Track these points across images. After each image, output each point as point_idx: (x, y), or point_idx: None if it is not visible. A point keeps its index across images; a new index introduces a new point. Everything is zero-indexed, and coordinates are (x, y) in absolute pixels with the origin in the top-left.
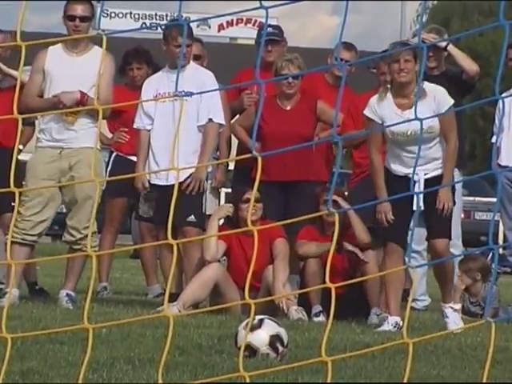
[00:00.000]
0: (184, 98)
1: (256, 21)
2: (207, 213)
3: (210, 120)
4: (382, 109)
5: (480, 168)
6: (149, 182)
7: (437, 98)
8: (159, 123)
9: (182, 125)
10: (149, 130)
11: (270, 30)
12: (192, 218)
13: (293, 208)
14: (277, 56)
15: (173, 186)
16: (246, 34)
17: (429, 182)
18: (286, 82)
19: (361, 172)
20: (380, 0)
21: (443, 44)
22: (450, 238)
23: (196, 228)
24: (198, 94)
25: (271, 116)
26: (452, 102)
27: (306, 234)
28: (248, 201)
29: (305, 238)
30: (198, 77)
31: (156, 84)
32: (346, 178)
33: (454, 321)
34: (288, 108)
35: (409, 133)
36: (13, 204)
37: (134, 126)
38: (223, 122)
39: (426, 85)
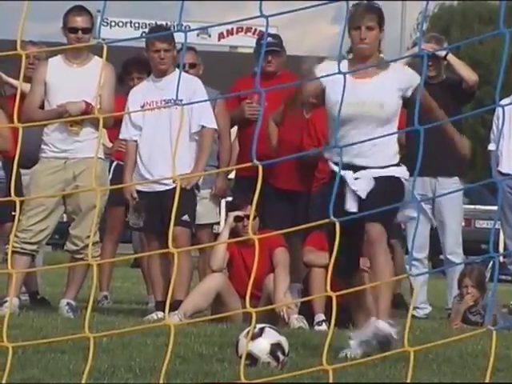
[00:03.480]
0: (175, 105)
1: (256, 29)
2: (208, 221)
3: (203, 127)
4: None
5: (481, 176)
6: (136, 190)
7: (403, 73)
8: (147, 132)
9: (173, 133)
10: (135, 141)
11: (269, 39)
12: (186, 217)
13: (298, 217)
14: (276, 67)
15: (160, 192)
16: (246, 43)
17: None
18: None
19: (322, 178)
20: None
21: (443, 53)
22: (386, 228)
23: (187, 229)
24: (199, 102)
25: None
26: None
27: (314, 241)
28: (239, 220)
29: (313, 244)
30: (186, 84)
31: (143, 93)
32: None
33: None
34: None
35: (362, 104)
36: (13, 213)
37: (120, 137)
38: (216, 127)
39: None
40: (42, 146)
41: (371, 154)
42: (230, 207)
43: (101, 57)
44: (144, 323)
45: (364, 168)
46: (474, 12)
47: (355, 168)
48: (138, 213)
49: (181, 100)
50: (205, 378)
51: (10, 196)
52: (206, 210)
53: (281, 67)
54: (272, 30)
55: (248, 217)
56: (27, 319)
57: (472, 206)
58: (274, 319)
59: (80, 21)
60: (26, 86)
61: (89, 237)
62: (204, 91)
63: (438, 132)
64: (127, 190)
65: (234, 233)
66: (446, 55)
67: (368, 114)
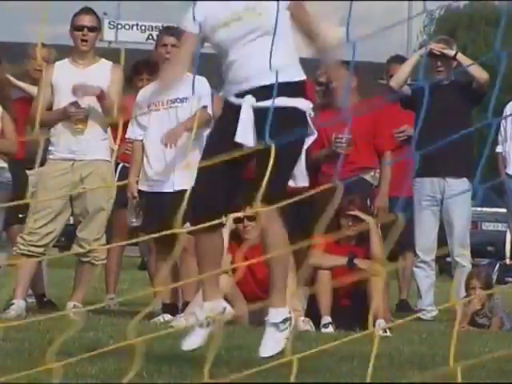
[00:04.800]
0: (179, 104)
1: None
2: None
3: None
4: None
5: (487, 178)
6: (139, 190)
7: None
8: (154, 131)
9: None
10: (141, 140)
11: None
12: (187, 225)
13: (301, 218)
14: None
15: (166, 193)
16: None
17: (261, 112)
18: (320, 89)
19: (324, 181)
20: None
21: (452, 53)
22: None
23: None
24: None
25: None
26: None
27: (320, 244)
28: (241, 220)
29: (319, 247)
30: (191, 83)
31: (149, 93)
32: None
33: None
34: None
35: (231, 18)
36: (20, 216)
37: (126, 137)
38: (211, 114)
39: None
40: (50, 148)
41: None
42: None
43: (107, 59)
44: (150, 325)
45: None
46: (481, 14)
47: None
48: (136, 212)
49: (186, 98)
50: (211, 381)
51: (17, 198)
52: None
53: None
54: None
55: (248, 218)
56: (34, 322)
57: (478, 209)
58: None
59: (86, 19)
60: (34, 90)
61: (96, 240)
62: (209, 90)
63: (446, 133)
64: (129, 188)
65: (235, 235)
66: (455, 55)
67: (247, 24)
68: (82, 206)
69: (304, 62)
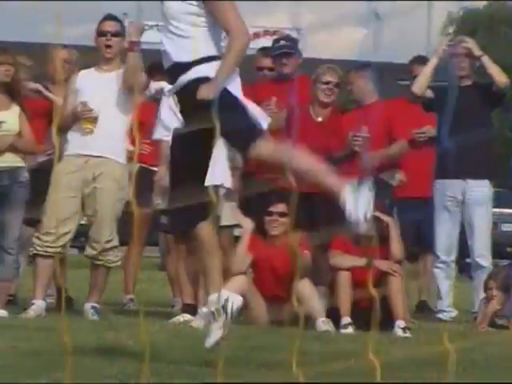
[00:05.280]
0: None
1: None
2: (228, 223)
3: None
4: None
5: (507, 180)
6: None
7: None
8: None
9: None
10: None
11: (283, 42)
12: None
13: (320, 218)
14: (292, 68)
15: None
16: None
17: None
18: (326, 87)
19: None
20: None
21: (479, 53)
22: None
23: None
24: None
25: (301, 127)
26: None
27: (339, 245)
28: (272, 214)
29: (338, 247)
30: None
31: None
32: None
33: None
34: (319, 120)
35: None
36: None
37: (153, 138)
38: None
39: None
40: (66, 145)
41: None
42: (263, 202)
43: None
44: (169, 325)
45: None
46: (501, 15)
47: None
48: (163, 194)
49: None
50: (231, 381)
51: (35, 198)
52: (226, 212)
53: (296, 69)
54: (294, 33)
55: (279, 214)
56: (53, 322)
57: (498, 210)
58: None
59: (109, 25)
60: (59, 99)
61: (108, 241)
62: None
63: (467, 133)
64: (157, 174)
65: (260, 230)
66: (480, 56)
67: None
68: (93, 206)
69: (306, 61)
